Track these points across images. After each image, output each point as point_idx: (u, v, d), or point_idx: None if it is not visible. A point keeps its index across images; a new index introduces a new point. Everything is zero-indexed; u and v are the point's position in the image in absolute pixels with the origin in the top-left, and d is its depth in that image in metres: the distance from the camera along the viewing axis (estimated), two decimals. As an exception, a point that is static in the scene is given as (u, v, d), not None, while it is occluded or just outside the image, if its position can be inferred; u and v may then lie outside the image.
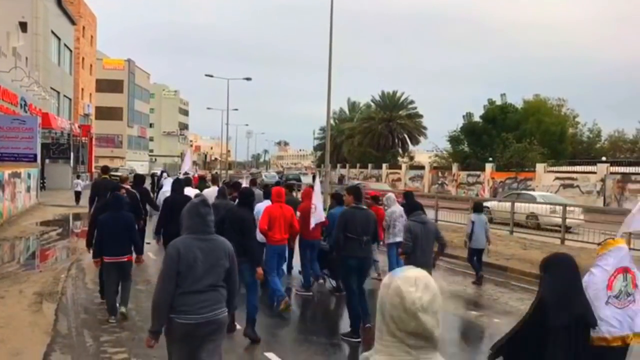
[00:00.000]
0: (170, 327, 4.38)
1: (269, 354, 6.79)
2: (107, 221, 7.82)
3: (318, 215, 9.61)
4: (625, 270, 4.49)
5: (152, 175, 30.58)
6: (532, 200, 22.08)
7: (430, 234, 7.58)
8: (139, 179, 13.08)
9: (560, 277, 4.11)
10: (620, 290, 4.44)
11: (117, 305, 7.89)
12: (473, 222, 11.71)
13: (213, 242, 4.53)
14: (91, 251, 8.27)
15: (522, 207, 20.65)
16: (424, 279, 1.84)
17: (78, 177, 31.95)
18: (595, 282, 4.43)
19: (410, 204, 8.36)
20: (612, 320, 4.37)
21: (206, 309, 4.36)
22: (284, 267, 9.90)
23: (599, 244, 4.94)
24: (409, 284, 1.82)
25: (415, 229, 7.44)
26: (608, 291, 4.40)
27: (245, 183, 13.75)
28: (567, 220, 18.15)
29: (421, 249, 7.37)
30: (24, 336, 7.23)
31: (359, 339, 7.38)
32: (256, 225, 7.91)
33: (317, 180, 11.89)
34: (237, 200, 8.39)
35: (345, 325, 7.91)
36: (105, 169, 14.25)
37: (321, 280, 10.60)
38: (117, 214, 7.84)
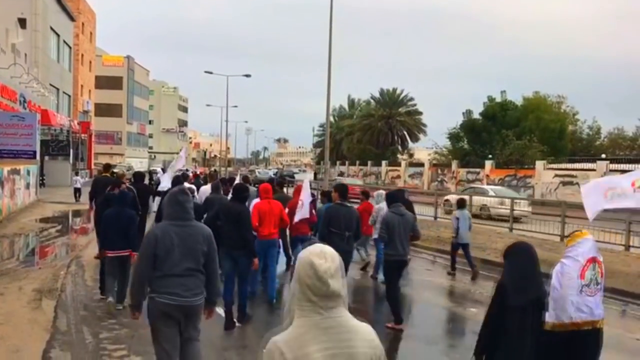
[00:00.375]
0: (152, 307, 4.74)
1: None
2: (111, 216, 8.09)
3: (304, 211, 9.77)
4: (594, 260, 4.83)
5: (150, 172, 30.66)
6: (485, 193, 24.44)
7: (407, 225, 7.97)
8: (138, 176, 13.25)
9: (519, 263, 4.46)
10: (591, 279, 4.77)
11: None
12: (458, 219, 12.02)
13: (191, 227, 4.79)
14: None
15: (476, 200, 22.61)
16: (330, 252, 2.25)
17: (77, 173, 31.96)
18: (568, 272, 4.74)
19: (391, 195, 8.79)
20: (583, 307, 4.72)
21: (185, 293, 4.65)
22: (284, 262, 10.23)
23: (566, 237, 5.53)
24: (319, 257, 2.21)
25: (393, 220, 7.84)
26: (581, 280, 4.71)
27: (238, 179, 13.98)
28: (515, 212, 20.53)
29: (399, 238, 7.79)
30: (23, 333, 7.23)
31: None
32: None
33: (307, 177, 12.07)
34: (230, 195, 8.71)
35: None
36: (107, 167, 14.59)
37: None
38: (120, 210, 8.09)
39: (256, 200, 9.32)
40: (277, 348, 2.19)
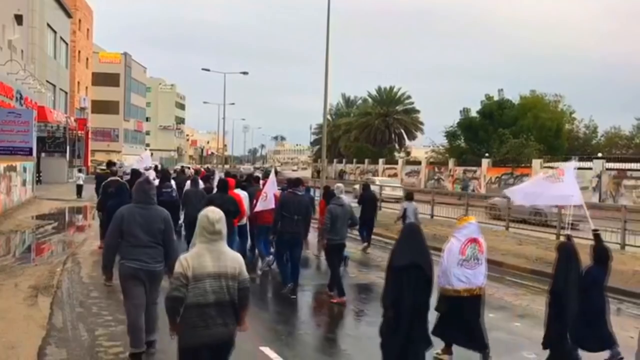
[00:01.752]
0: (122, 271, 5.99)
1: (264, 348, 6.81)
2: (113, 208, 8.48)
3: (268, 202, 10.85)
4: (474, 240, 6.13)
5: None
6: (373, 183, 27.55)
7: (346, 214, 9.53)
8: (135, 174, 13.36)
9: (406, 235, 5.73)
10: (471, 255, 6.08)
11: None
12: (405, 209, 13.64)
13: (152, 210, 6.08)
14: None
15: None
16: (217, 210, 4.34)
17: (80, 170, 31.93)
18: (452, 249, 6.14)
19: (328, 192, 11.07)
20: (461, 277, 6.06)
21: (148, 260, 5.86)
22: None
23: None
24: (212, 212, 4.29)
25: (336, 210, 9.38)
26: (461, 256, 6.06)
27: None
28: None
29: (340, 223, 9.40)
30: (19, 330, 7.22)
31: (293, 297, 9.55)
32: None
33: (273, 172, 13.88)
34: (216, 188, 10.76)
35: (341, 321, 7.95)
36: (109, 164, 15.94)
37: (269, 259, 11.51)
38: (120, 201, 8.76)
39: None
40: (184, 259, 4.19)
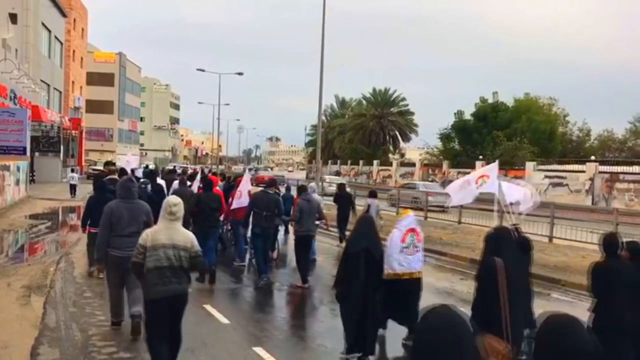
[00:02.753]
0: (107, 259, 6.99)
1: (257, 349, 6.85)
2: (94, 200, 10.21)
3: (242, 200, 11.52)
4: (413, 230, 7.07)
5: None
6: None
7: (313, 208, 10.79)
8: (122, 171, 14.77)
9: (361, 226, 6.64)
10: (410, 243, 7.00)
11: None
12: (369, 205, 14.65)
13: (135, 204, 7.13)
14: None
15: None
16: (177, 198, 5.65)
17: (72, 170, 31.84)
18: (394, 238, 7.02)
19: (301, 187, 12.19)
20: (402, 262, 6.95)
21: (130, 248, 6.19)
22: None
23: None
24: (174, 199, 5.60)
25: (303, 204, 10.59)
26: (402, 243, 6.95)
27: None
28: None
29: (306, 217, 10.55)
30: (12, 329, 7.22)
31: (266, 281, 10.39)
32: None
33: (247, 171, 16.00)
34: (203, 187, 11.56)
35: (333, 322, 7.95)
36: (107, 163, 16.81)
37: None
38: (101, 195, 9.91)
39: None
40: (146, 233, 5.53)
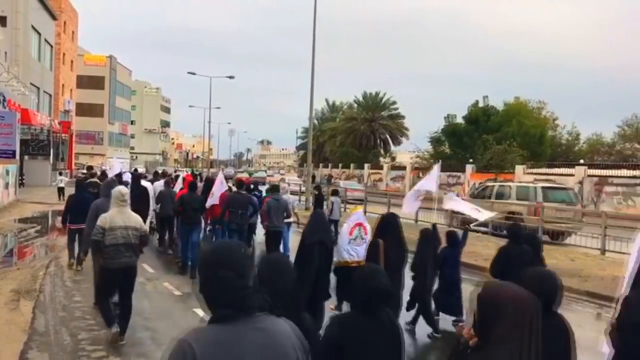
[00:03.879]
0: (94, 246, 7.07)
1: (165, 283, 9.14)
2: (73, 199, 11.16)
3: (213, 199, 12.46)
4: (360, 225, 7.92)
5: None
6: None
7: (281, 207, 11.70)
8: (104, 174, 15.93)
9: (314, 220, 7.40)
10: (357, 235, 7.85)
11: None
12: (333, 203, 15.99)
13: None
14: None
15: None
16: (125, 189, 7.13)
17: (60, 173, 31.67)
18: (343, 231, 8.02)
19: (272, 187, 13.00)
20: (351, 252, 7.82)
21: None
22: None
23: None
24: (122, 189, 7.02)
25: (271, 203, 11.62)
26: (350, 236, 7.84)
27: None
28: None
29: (275, 215, 11.51)
30: (0, 334, 7.18)
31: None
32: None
33: (221, 171, 17.65)
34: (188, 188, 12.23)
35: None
36: (89, 168, 16.74)
37: None
38: (80, 194, 11.07)
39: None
40: (104, 217, 6.69)
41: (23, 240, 15.68)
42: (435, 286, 8.19)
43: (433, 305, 8.13)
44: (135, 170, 30.25)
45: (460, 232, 8.83)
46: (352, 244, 7.85)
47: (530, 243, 7.01)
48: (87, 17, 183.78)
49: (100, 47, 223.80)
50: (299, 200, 26.16)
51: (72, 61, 55.75)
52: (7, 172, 23.09)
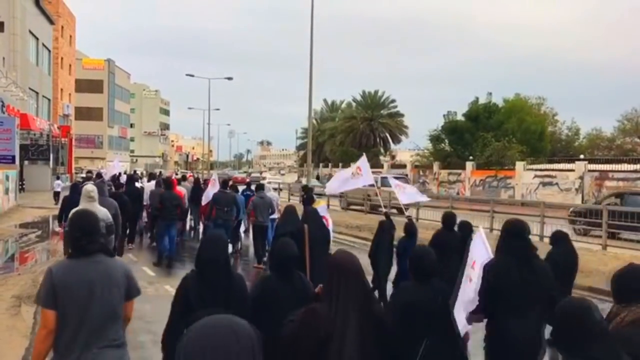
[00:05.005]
0: None
1: (167, 286, 9.45)
2: (69, 201, 11.45)
3: (207, 198, 13.91)
4: (323, 218, 8.40)
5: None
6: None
7: (266, 204, 12.95)
8: (99, 176, 17.18)
9: (286, 213, 8.30)
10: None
11: None
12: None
13: (105, 200, 8.76)
14: None
15: None
16: (92, 186, 7.90)
17: (58, 177, 31.68)
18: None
19: (258, 186, 14.36)
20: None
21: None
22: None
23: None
24: (89, 186, 7.75)
25: (257, 201, 12.85)
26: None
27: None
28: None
29: (260, 212, 12.88)
30: (1, 340, 7.17)
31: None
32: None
33: (215, 174, 19.09)
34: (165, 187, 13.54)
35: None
36: (89, 172, 18.32)
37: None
38: (74, 196, 11.29)
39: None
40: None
41: (24, 246, 15.67)
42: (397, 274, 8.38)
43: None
44: (134, 172, 30.92)
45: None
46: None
47: (462, 229, 7.81)
48: (85, 21, 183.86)
49: (98, 50, 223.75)
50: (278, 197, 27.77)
51: (70, 65, 55.78)
52: (7, 178, 23.10)
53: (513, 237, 4.66)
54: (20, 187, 28.60)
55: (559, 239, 7.05)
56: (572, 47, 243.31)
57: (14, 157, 23.64)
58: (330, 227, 8.67)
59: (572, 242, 7.19)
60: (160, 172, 33.99)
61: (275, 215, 13.28)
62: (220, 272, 4.00)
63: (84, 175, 33.10)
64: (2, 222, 19.52)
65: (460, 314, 3.99)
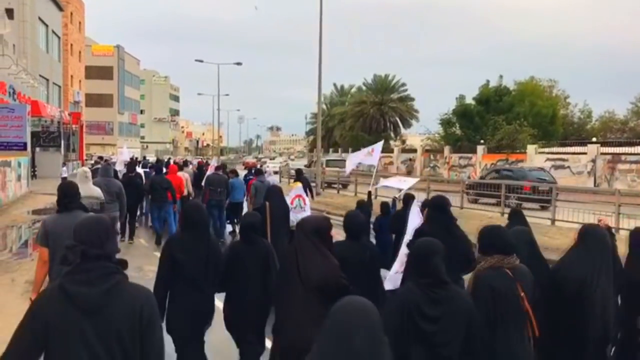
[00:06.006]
0: None
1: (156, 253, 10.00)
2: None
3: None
4: (299, 196, 9.49)
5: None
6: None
7: (265, 187, 12.64)
8: (106, 162, 17.27)
9: (269, 194, 8.91)
10: (296, 205, 9.34)
11: None
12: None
13: (111, 181, 10.43)
14: None
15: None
16: (87, 169, 8.58)
17: (64, 164, 31.88)
18: (287, 201, 9.18)
19: (256, 171, 15.32)
20: (292, 219, 8.64)
21: (109, 210, 8.99)
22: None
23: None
24: (84, 169, 8.50)
25: (258, 184, 12.97)
26: (292, 205, 9.23)
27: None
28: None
29: (260, 195, 12.32)
30: (14, 325, 7.22)
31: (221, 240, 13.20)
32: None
33: (214, 159, 20.54)
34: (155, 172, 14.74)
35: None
36: (100, 158, 18.58)
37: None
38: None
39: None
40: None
41: (37, 232, 15.77)
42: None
43: None
44: (144, 158, 31.54)
45: (390, 202, 10.81)
46: (293, 212, 9.15)
47: (406, 203, 8.80)
48: (94, 7, 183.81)
49: (107, 37, 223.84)
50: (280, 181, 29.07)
51: (80, 52, 55.85)
52: (19, 164, 23.24)
53: (436, 209, 5.94)
54: (32, 173, 28.80)
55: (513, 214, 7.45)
56: (584, 29, 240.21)
57: (25, 144, 23.74)
58: (308, 205, 9.58)
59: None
60: (169, 159, 34.15)
61: None
62: (200, 232, 4.98)
63: (92, 162, 33.55)
64: (15, 209, 19.69)
65: (394, 272, 5.34)
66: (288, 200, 9.45)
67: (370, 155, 13.48)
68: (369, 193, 10.63)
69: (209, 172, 15.41)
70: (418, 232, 5.43)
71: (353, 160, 14.38)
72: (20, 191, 23.35)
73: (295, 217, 9.16)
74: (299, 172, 20.28)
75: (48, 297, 2.76)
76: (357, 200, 10.03)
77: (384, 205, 10.08)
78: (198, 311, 4.85)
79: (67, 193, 5.24)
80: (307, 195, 17.36)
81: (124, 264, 2.77)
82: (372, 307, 2.26)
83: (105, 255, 2.72)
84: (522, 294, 3.67)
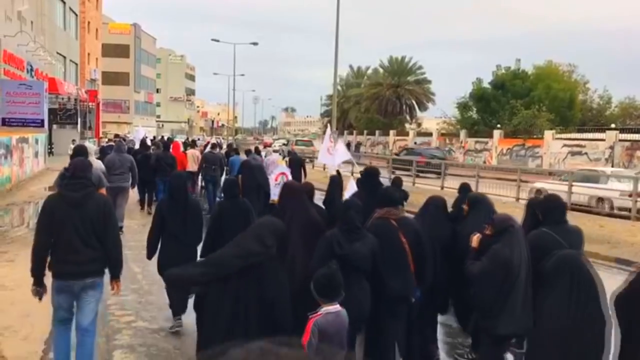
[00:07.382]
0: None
1: None
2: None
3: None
4: (283, 174, 10.49)
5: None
6: None
7: (261, 167, 13.48)
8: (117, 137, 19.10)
9: (254, 172, 10.46)
10: (280, 181, 9.72)
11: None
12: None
13: (124, 155, 12.37)
14: None
15: None
16: (92, 145, 17.94)
17: (73, 142, 32.15)
18: (271, 178, 10.40)
19: (248, 151, 16.80)
20: (275, 194, 8.85)
21: (120, 181, 11.75)
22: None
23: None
24: (90, 146, 12.89)
25: (250, 163, 12.72)
26: (275, 182, 10.07)
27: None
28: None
29: (258, 175, 13.45)
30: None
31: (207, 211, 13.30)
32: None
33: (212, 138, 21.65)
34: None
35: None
36: (116, 135, 19.86)
37: None
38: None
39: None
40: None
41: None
42: None
43: None
44: (162, 137, 32.04)
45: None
46: (277, 187, 9.54)
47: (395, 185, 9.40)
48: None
49: (124, 15, 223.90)
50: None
51: (97, 30, 55.88)
52: (37, 141, 23.47)
53: (369, 176, 7.99)
54: (49, 150, 29.07)
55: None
56: (605, 14, 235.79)
57: (43, 121, 23.90)
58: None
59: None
60: (170, 138, 34.42)
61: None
62: (181, 194, 6.52)
63: (106, 139, 33.91)
64: (32, 185, 19.91)
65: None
66: (272, 177, 10.50)
67: (331, 153, 11.66)
68: (338, 172, 10.48)
69: (205, 151, 17.12)
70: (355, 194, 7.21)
71: (330, 159, 12.02)
72: (38, 168, 23.61)
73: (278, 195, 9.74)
74: (290, 153, 23.31)
75: (53, 198, 5.14)
76: (330, 176, 10.54)
77: (333, 177, 10.01)
78: (178, 257, 5.80)
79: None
80: (302, 173, 16.98)
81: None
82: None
83: (85, 177, 5.07)
84: (404, 239, 5.09)
